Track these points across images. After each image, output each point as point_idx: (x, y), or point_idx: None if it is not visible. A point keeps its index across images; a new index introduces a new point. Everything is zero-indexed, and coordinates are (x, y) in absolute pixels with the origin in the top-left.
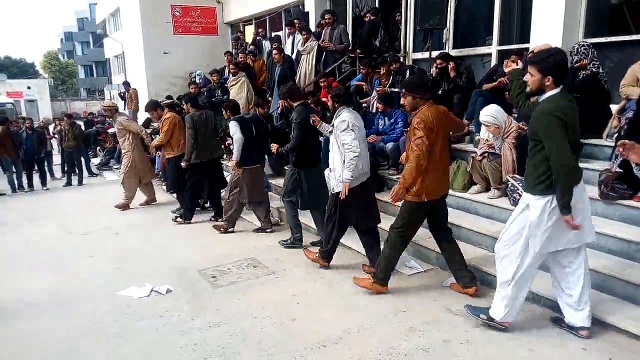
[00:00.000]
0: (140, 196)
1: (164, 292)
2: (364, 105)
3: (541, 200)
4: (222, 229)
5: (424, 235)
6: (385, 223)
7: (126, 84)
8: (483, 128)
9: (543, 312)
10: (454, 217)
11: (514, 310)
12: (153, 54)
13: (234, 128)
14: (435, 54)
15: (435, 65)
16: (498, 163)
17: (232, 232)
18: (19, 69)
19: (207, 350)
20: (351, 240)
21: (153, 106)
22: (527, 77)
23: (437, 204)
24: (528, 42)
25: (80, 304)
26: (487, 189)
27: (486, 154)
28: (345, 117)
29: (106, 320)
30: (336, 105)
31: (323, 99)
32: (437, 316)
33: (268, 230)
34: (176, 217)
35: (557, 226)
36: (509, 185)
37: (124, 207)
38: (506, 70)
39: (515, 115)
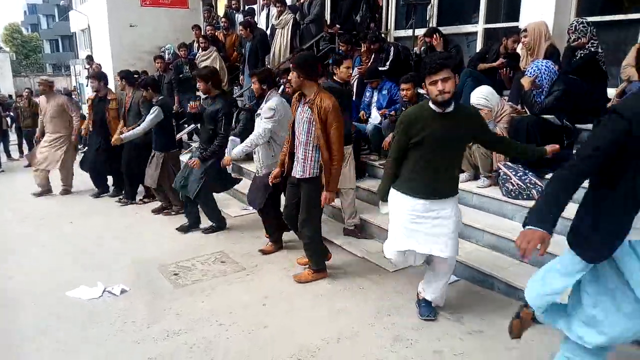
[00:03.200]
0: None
1: (118, 293)
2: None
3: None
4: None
5: None
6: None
7: (89, 59)
8: None
9: None
10: None
11: None
12: (118, 27)
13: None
14: (419, 31)
15: (420, 42)
16: None
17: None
18: None
19: None
20: (331, 234)
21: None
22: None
23: None
24: (517, 20)
25: (21, 306)
26: (476, 177)
27: None
28: (275, 105)
29: (50, 326)
30: (264, 88)
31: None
32: (426, 321)
33: (173, 213)
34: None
35: None
36: (501, 174)
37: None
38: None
39: (507, 98)
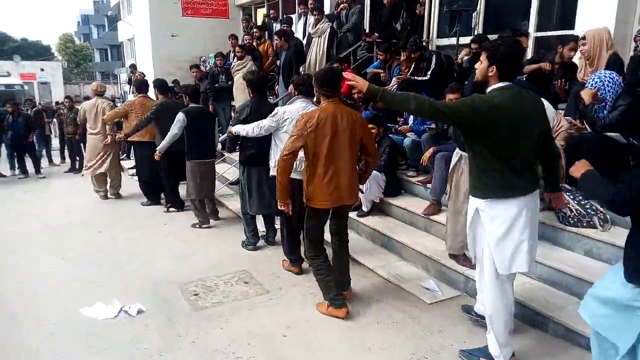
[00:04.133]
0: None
1: (134, 314)
2: None
3: None
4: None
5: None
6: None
7: (133, 67)
8: None
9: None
10: None
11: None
12: (160, 36)
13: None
14: (463, 40)
15: (468, 51)
16: None
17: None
18: (35, 51)
19: None
20: (363, 255)
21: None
22: (477, 65)
23: (338, 213)
24: (571, 27)
25: (32, 321)
26: None
27: None
28: (284, 109)
29: (56, 348)
30: (296, 93)
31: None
32: None
33: (205, 225)
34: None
35: None
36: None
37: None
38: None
39: (562, 111)
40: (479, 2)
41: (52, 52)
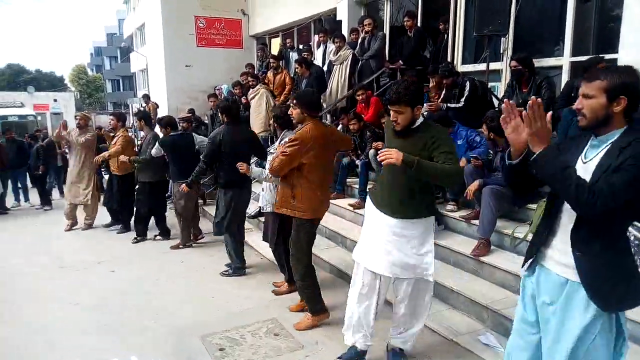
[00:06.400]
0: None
1: None
2: None
3: None
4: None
5: (508, 305)
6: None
7: (145, 97)
8: None
9: None
10: None
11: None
12: (174, 66)
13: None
14: (494, 65)
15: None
16: None
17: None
18: (48, 82)
19: None
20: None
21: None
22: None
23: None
24: (615, 50)
25: None
26: None
27: None
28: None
29: None
30: (279, 128)
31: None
32: None
33: (187, 244)
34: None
35: None
36: (632, 239)
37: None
38: None
39: None
40: (509, 27)
41: (65, 83)
